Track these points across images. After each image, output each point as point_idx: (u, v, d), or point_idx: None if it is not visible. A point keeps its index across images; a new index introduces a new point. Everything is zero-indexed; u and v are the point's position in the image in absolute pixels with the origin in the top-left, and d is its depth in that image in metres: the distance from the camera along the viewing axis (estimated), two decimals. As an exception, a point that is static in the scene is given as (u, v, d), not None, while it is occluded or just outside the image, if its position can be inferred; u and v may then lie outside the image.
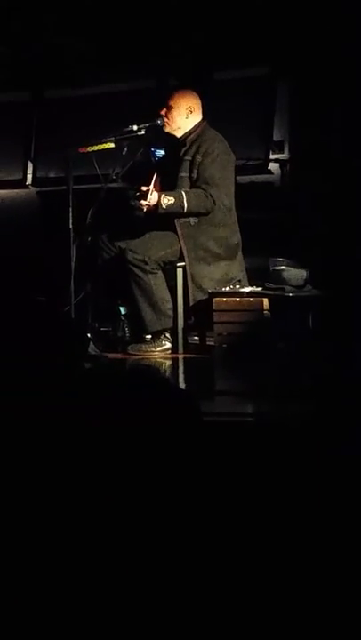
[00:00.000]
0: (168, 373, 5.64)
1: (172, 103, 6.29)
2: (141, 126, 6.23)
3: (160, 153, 6.86)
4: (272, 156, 7.49)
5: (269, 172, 7.47)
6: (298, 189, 7.23)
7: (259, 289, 6.13)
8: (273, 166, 7.47)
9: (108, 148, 6.25)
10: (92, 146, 6.23)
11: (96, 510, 1.95)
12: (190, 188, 6.22)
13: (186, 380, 5.41)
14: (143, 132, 6.24)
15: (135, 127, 6.22)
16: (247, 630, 2.32)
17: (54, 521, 1.97)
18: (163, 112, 6.29)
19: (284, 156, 7.48)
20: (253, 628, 2.35)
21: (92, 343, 5.78)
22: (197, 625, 2.05)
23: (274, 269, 6.33)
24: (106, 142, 6.23)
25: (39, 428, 2.07)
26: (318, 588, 2.60)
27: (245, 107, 7.44)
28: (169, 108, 6.29)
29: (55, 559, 1.95)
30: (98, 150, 6.22)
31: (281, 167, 7.44)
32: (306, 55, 7.15)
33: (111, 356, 5.99)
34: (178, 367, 5.90)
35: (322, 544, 2.76)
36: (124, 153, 6.25)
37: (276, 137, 7.51)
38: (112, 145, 6.23)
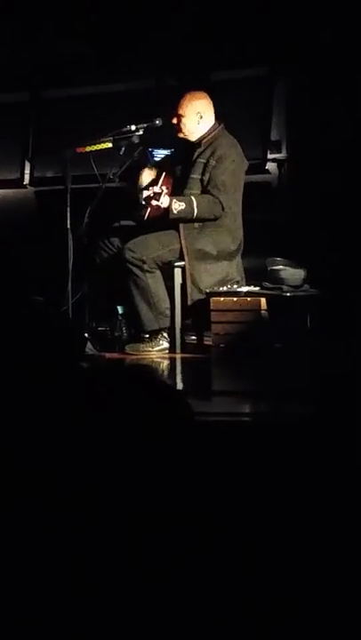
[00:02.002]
0: (165, 373, 5.64)
1: (181, 112, 6.28)
2: (139, 126, 6.24)
3: (158, 153, 6.86)
4: (270, 156, 7.49)
5: (267, 171, 7.47)
6: (295, 189, 7.24)
7: (256, 289, 6.13)
8: (271, 166, 7.48)
9: (105, 148, 6.25)
10: (89, 146, 6.24)
11: (91, 510, 1.95)
12: (200, 190, 6.22)
13: (183, 380, 5.42)
14: (141, 133, 6.25)
15: (133, 127, 6.23)
16: (246, 631, 2.32)
17: (48, 521, 1.97)
18: (174, 121, 6.28)
19: (281, 155, 7.48)
20: (253, 628, 2.35)
21: (89, 343, 5.79)
22: (195, 626, 2.05)
23: (271, 269, 6.33)
24: (103, 142, 6.24)
25: (35, 428, 2.08)
26: (318, 588, 2.60)
27: (243, 106, 7.44)
28: (179, 117, 6.28)
29: (50, 558, 1.95)
30: (95, 150, 6.23)
31: (279, 167, 7.44)
32: (304, 55, 7.15)
33: (109, 355, 5.99)
34: (175, 367, 5.90)
35: (321, 545, 2.76)
36: (121, 153, 6.25)
37: (274, 136, 7.51)
38: (110, 145, 6.23)
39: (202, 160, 6.25)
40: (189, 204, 6.12)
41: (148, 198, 6.16)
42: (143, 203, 6.25)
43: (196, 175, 6.25)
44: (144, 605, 1.89)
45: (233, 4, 7.35)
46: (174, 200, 6.12)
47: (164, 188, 6.14)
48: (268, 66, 7.55)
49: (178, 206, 6.11)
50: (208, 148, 6.26)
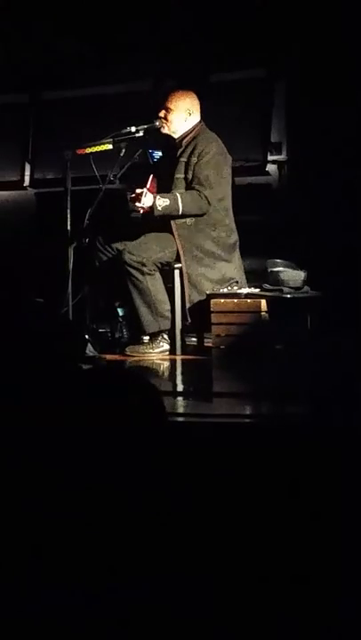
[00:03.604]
0: (166, 375, 5.63)
1: (170, 105, 6.28)
2: (139, 128, 6.24)
3: (158, 154, 6.87)
4: (270, 158, 7.50)
5: (267, 173, 7.48)
6: (296, 190, 7.24)
7: (256, 290, 6.12)
8: (271, 168, 7.48)
9: (105, 150, 6.25)
10: (89, 147, 6.23)
11: (86, 509, 1.94)
12: (186, 189, 6.22)
13: (184, 382, 5.41)
14: (141, 134, 6.25)
15: (133, 129, 6.22)
16: (244, 631, 2.32)
17: (40, 520, 1.97)
18: (161, 114, 6.29)
19: (281, 157, 7.49)
20: (251, 629, 2.35)
21: (89, 344, 5.78)
22: (193, 627, 2.05)
23: (272, 270, 6.33)
24: (103, 144, 6.23)
25: (32, 429, 2.07)
26: (317, 587, 2.60)
27: (243, 108, 7.45)
28: (168, 110, 6.28)
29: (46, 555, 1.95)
30: (95, 152, 6.22)
31: (279, 168, 7.45)
32: (303, 56, 7.16)
33: (109, 357, 5.98)
34: (176, 368, 5.89)
35: (321, 545, 2.76)
36: (121, 154, 6.25)
37: (274, 138, 7.52)
38: (110, 146, 6.23)
39: (183, 159, 6.25)
40: (174, 200, 6.12)
41: (132, 199, 6.17)
42: (130, 205, 6.27)
43: (179, 175, 6.25)
44: (139, 605, 1.89)
45: (232, 5, 7.35)
46: (158, 197, 6.11)
47: (145, 188, 6.14)
48: (267, 67, 7.56)
49: (162, 202, 6.10)
50: (188, 146, 6.26)
